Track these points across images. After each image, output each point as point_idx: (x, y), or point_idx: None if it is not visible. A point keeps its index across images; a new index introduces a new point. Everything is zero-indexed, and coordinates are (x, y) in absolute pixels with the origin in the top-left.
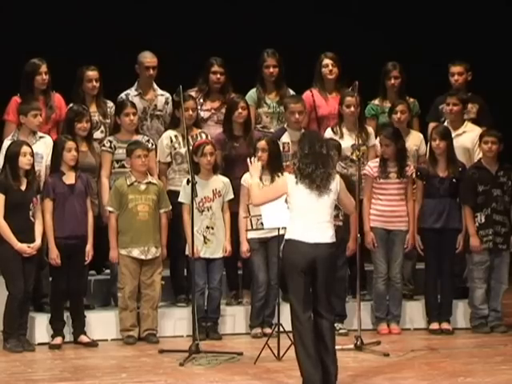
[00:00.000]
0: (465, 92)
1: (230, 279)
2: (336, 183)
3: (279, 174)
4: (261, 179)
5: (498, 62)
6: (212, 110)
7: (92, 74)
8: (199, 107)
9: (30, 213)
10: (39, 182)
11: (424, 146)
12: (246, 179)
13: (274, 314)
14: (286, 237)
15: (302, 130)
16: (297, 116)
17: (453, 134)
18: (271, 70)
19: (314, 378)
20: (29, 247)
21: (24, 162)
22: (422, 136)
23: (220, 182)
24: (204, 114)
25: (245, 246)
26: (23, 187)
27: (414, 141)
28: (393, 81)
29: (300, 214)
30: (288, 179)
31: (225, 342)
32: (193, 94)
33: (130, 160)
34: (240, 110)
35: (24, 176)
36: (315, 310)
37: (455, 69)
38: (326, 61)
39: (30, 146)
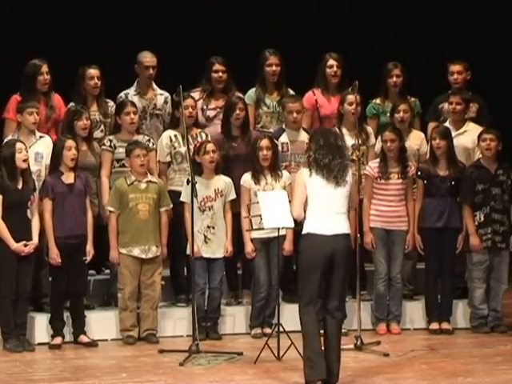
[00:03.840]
0: (465, 91)
1: (230, 279)
2: (351, 175)
3: (279, 173)
4: (264, 179)
5: (498, 62)
6: (217, 108)
7: (94, 71)
8: (205, 107)
9: (28, 211)
10: (35, 181)
11: (425, 146)
12: (247, 180)
13: (274, 314)
14: (304, 231)
15: (302, 130)
16: (295, 115)
17: (454, 134)
18: (274, 68)
19: (320, 366)
20: (25, 245)
21: (21, 158)
22: (423, 135)
23: (222, 181)
24: (210, 113)
25: (249, 247)
26: (20, 186)
27: (416, 140)
28: (394, 79)
29: (317, 206)
30: (303, 172)
31: (225, 342)
32: (197, 94)
33: (129, 160)
34: (237, 112)
35: (20, 175)
36: (326, 307)
37: (454, 68)
38: (331, 61)
39: (24, 143)
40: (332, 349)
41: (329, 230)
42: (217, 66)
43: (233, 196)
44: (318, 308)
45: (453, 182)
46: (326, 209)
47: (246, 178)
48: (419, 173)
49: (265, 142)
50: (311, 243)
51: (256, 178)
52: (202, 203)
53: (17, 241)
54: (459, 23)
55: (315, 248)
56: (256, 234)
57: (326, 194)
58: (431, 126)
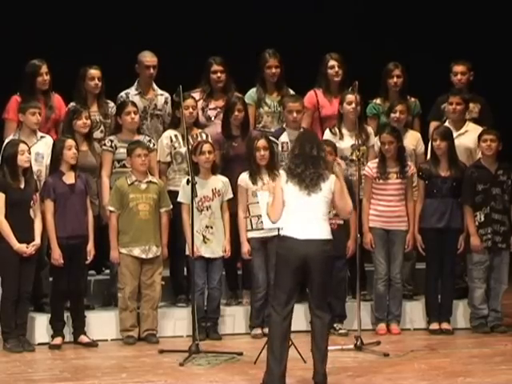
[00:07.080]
0: (466, 92)
1: (230, 279)
2: (330, 183)
3: (276, 172)
4: (261, 179)
5: (498, 62)
6: (217, 108)
7: (95, 72)
8: (205, 107)
9: (30, 211)
10: (37, 181)
11: (422, 146)
12: (244, 179)
13: None
14: (281, 233)
15: (302, 130)
16: (294, 115)
17: (455, 134)
18: (273, 70)
19: (274, 373)
20: (27, 247)
21: (23, 160)
22: (419, 135)
23: (219, 181)
24: (210, 113)
25: (246, 247)
26: (22, 185)
27: (412, 140)
28: (395, 79)
29: (291, 211)
30: (282, 177)
31: (225, 342)
32: (196, 95)
33: (130, 159)
34: (236, 113)
35: (22, 174)
36: (310, 308)
37: (458, 68)
38: (332, 62)
39: (27, 144)
40: (317, 349)
41: (301, 235)
42: (215, 67)
43: (230, 195)
44: (290, 311)
45: (454, 183)
46: (299, 215)
47: (243, 178)
48: (420, 173)
49: (262, 143)
50: (284, 245)
51: (253, 178)
52: (200, 203)
53: (19, 240)
54: (460, 23)
55: (288, 250)
56: (254, 234)
57: (300, 200)
58: (433, 125)
